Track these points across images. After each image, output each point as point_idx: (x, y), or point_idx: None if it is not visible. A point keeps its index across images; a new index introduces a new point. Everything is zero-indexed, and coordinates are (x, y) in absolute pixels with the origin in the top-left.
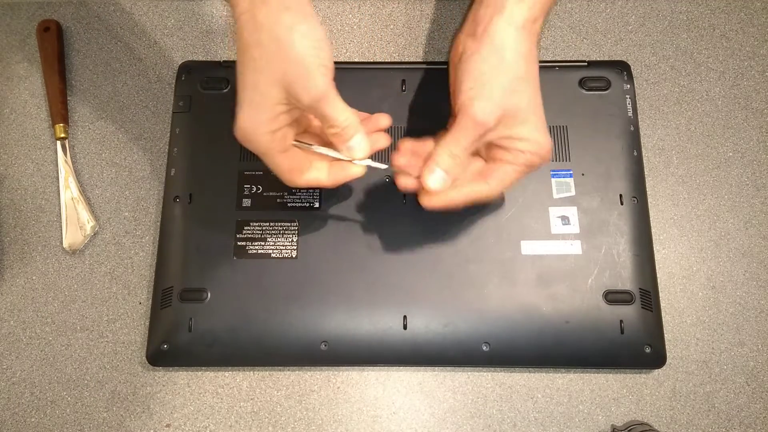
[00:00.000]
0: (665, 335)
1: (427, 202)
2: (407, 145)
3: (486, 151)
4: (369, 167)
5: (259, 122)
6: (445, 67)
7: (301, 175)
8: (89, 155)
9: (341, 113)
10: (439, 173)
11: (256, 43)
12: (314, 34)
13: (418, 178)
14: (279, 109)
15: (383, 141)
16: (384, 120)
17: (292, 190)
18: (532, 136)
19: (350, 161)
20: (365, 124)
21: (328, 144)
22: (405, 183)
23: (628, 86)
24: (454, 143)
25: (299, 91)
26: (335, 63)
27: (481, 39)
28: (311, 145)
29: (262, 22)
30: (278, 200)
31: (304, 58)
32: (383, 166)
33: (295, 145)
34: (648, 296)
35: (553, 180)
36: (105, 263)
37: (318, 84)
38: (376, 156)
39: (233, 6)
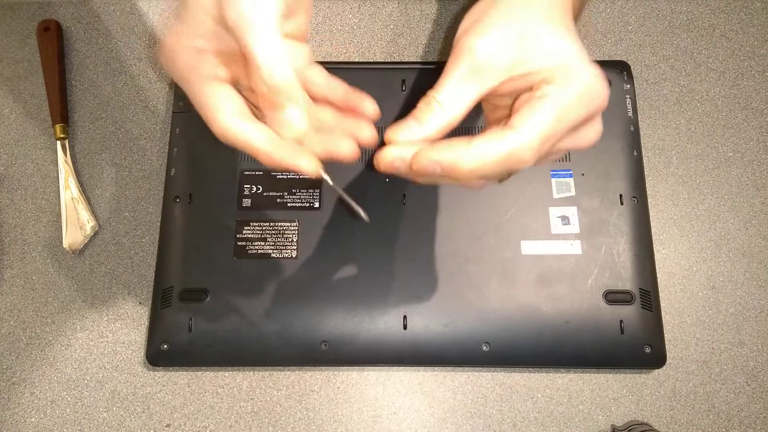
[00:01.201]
0: (665, 335)
1: (420, 159)
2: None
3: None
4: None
5: (183, 35)
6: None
7: (232, 125)
8: (89, 155)
9: (272, 55)
10: (409, 122)
11: None
12: None
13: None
14: (209, 23)
15: (347, 147)
16: (369, 106)
17: (292, 190)
18: (558, 58)
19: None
20: (340, 106)
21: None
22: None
23: (628, 86)
24: (435, 89)
25: (226, 3)
26: (335, 63)
27: None
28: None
29: None
30: (278, 200)
31: None
32: (348, 200)
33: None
34: (648, 296)
35: (553, 180)
36: (105, 263)
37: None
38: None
39: None
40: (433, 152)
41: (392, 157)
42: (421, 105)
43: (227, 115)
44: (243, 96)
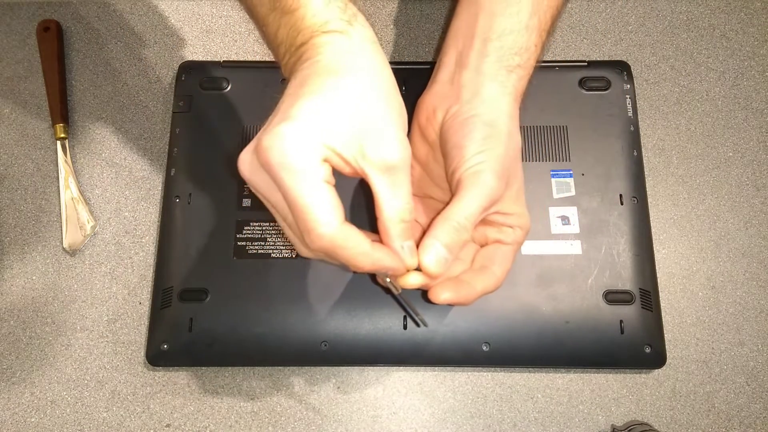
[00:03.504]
0: (665, 335)
1: (437, 296)
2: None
3: (473, 233)
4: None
5: (312, 132)
6: None
7: (343, 229)
8: (89, 155)
9: (409, 196)
10: (439, 250)
11: (352, 66)
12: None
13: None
14: (343, 143)
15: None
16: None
17: None
18: (523, 211)
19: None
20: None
21: None
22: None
23: (628, 86)
24: (460, 213)
25: (382, 143)
26: None
27: (475, 103)
28: None
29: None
30: None
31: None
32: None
33: None
34: (648, 296)
35: (553, 180)
36: (105, 263)
37: (404, 146)
38: None
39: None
40: (446, 294)
41: (417, 284)
42: (450, 230)
43: (338, 219)
44: None
